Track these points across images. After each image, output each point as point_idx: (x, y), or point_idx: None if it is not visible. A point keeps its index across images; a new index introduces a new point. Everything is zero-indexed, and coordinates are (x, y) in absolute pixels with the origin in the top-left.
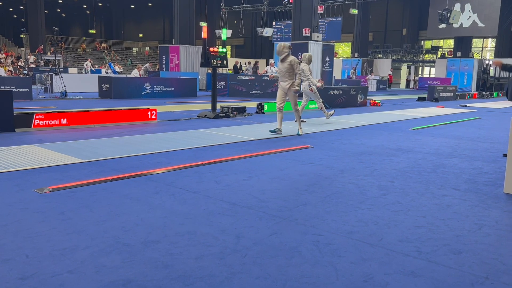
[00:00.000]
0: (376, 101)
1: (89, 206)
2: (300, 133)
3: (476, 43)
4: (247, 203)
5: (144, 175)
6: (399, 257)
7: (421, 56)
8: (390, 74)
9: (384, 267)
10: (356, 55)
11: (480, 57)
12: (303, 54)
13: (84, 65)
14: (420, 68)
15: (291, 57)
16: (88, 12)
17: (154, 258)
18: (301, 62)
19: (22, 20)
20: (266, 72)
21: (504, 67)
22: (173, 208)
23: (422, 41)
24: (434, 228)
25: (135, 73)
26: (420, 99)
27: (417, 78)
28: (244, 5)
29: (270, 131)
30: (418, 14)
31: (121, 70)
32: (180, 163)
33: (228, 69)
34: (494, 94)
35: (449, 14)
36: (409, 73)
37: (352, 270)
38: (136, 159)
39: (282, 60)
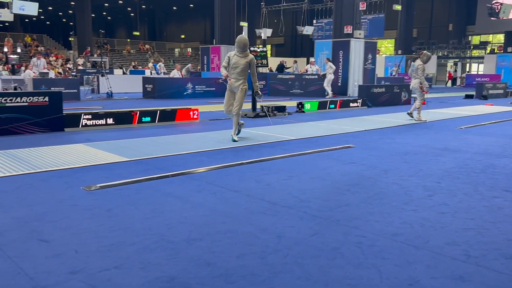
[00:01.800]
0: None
1: (135, 203)
2: (235, 139)
3: None
4: (287, 202)
5: (187, 173)
6: (447, 260)
7: (468, 52)
8: (449, 72)
9: (430, 270)
10: (399, 52)
11: None
12: (423, 51)
13: (158, 66)
14: (468, 64)
15: (251, 55)
16: (132, 14)
17: (197, 255)
18: (418, 58)
19: (71, 24)
20: (307, 70)
21: None
22: (215, 206)
23: (470, 37)
24: (484, 231)
25: (174, 73)
26: (467, 96)
27: (464, 75)
28: (284, 3)
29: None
30: (465, 8)
31: (164, 70)
32: (222, 162)
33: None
34: None
35: (499, 7)
36: (455, 70)
37: (397, 273)
38: (179, 158)
39: (240, 55)
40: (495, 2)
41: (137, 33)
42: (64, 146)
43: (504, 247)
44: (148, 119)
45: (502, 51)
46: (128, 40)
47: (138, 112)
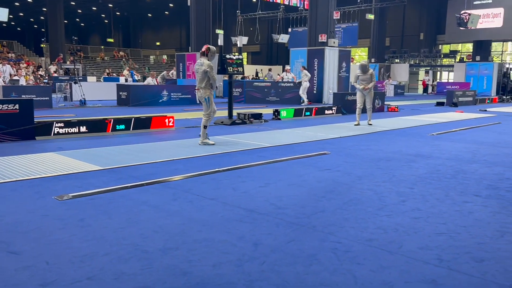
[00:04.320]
0: (394, 106)
1: (108, 213)
2: (211, 142)
3: (496, 46)
4: (264, 210)
5: (162, 182)
6: (420, 265)
7: (439, 60)
8: (424, 80)
9: (404, 275)
10: (373, 60)
11: (500, 61)
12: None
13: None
14: (438, 72)
15: (208, 61)
16: (106, 21)
17: (173, 265)
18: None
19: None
20: (282, 78)
21: None
22: (191, 215)
23: (440, 46)
24: (455, 236)
25: (149, 80)
26: (438, 104)
27: (435, 83)
28: (260, 12)
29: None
30: (435, 18)
31: (139, 78)
32: (198, 170)
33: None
34: None
35: (468, 18)
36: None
37: (372, 278)
38: (154, 166)
39: (200, 63)
40: (464, 13)
41: (111, 40)
42: (35, 155)
43: (474, 251)
44: (122, 127)
45: (470, 60)
46: (102, 47)
47: (112, 120)
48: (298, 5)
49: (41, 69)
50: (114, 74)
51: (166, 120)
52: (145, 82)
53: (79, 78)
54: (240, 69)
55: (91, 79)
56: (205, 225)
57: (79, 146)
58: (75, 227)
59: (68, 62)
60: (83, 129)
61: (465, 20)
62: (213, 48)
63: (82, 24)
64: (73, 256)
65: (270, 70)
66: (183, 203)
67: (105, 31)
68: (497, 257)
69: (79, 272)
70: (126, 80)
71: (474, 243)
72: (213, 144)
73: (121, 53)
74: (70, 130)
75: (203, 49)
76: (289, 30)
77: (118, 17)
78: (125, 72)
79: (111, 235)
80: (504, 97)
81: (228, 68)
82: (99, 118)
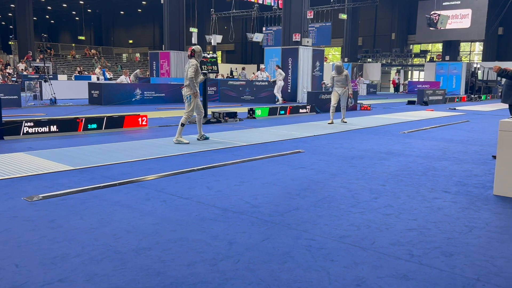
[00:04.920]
0: (367, 105)
1: (80, 213)
2: (185, 141)
3: (464, 47)
4: (239, 208)
5: (135, 181)
6: (391, 260)
7: (410, 60)
8: (394, 79)
9: (376, 270)
10: (346, 59)
11: (468, 61)
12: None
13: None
14: (410, 72)
15: (195, 61)
16: (77, 18)
17: (146, 265)
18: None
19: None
20: (257, 77)
21: (500, 73)
22: (165, 214)
23: (411, 45)
24: (426, 231)
25: (122, 78)
26: (409, 102)
27: (406, 82)
28: (234, 10)
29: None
30: (406, 18)
31: (111, 76)
32: (172, 169)
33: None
34: (483, 97)
35: (437, 18)
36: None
37: (345, 274)
38: (127, 166)
39: (188, 63)
40: (433, 13)
41: (83, 38)
42: (4, 155)
43: (444, 246)
44: (94, 126)
45: (440, 60)
46: (73, 44)
47: (84, 119)
48: (272, 4)
49: (9, 67)
50: (86, 73)
51: (140, 119)
52: (118, 81)
53: (49, 77)
54: (215, 67)
55: (62, 77)
56: (179, 224)
57: (49, 146)
58: (45, 228)
59: (37, 60)
60: (53, 128)
61: (435, 21)
62: (197, 47)
63: (52, 21)
64: (44, 258)
65: (243, 69)
66: (157, 203)
67: (76, 29)
68: (466, 252)
69: (50, 274)
70: (98, 79)
71: (443, 238)
72: (188, 143)
73: (93, 51)
74: (40, 129)
75: (188, 52)
76: (264, 29)
77: (90, 14)
78: (97, 70)
79: (83, 236)
80: (472, 96)
81: (203, 66)
82: (70, 117)
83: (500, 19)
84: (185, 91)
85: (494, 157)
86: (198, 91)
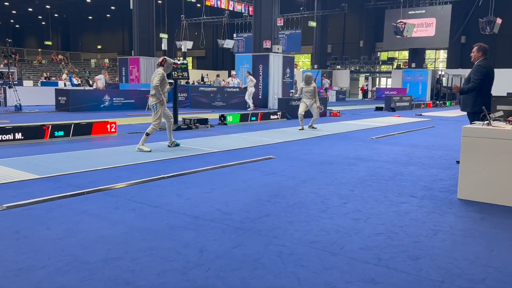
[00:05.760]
0: (336, 111)
1: (46, 223)
2: (147, 149)
3: (429, 54)
4: (210, 216)
5: (104, 190)
6: (360, 265)
7: (377, 67)
8: (363, 86)
9: (345, 275)
10: (315, 66)
11: (433, 68)
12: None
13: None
14: (377, 78)
15: (161, 70)
16: (44, 23)
17: (115, 275)
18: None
19: None
20: (228, 83)
21: (461, 92)
22: (134, 223)
23: (379, 53)
24: (393, 235)
25: (100, 77)
26: (377, 109)
27: (374, 88)
28: (204, 17)
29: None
30: (374, 26)
31: (79, 82)
32: (141, 177)
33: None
34: (447, 103)
35: (403, 27)
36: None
37: (314, 279)
38: (95, 174)
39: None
40: (400, 22)
41: (49, 43)
42: None
43: (411, 249)
44: (61, 133)
45: (407, 67)
46: (40, 50)
47: (50, 126)
48: (243, 11)
49: None
50: (53, 78)
51: (108, 126)
52: (98, 78)
53: (14, 82)
54: (185, 73)
55: (28, 83)
56: (149, 233)
57: (14, 154)
58: (9, 239)
59: (1, 65)
60: (18, 136)
61: (401, 29)
62: (170, 60)
63: (17, 26)
64: (8, 270)
65: (218, 76)
66: (126, 211)
67: (42, 34)
68: (431, 255)
69: (14, 287)
70: (65, 85)
71: (410, 242)
72: (149, 151)
73: (60, 56)
74: (4, 137)
75: (160, 59)
76: (234, 35)
77: (57, 19)
78: (64, 76)
79: (49, 247)
80: (438, 102)
81: (173, 73)
82: (36, 124)
83: (463, 28)
84: (151, 100)
85: (458, 162)
86: (164, 99)
